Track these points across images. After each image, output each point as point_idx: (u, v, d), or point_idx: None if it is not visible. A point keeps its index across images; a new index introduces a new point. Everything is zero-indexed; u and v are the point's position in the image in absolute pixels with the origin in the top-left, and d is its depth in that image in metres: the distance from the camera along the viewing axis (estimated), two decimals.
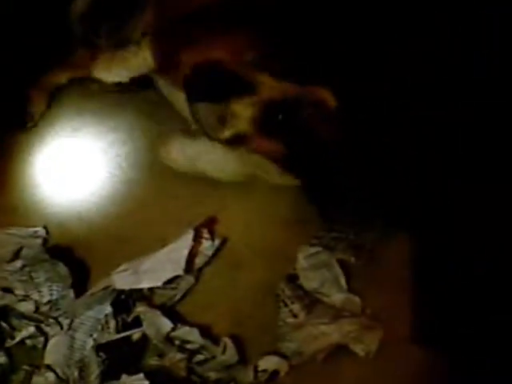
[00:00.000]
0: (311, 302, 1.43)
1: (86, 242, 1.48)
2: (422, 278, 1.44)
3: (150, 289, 1.41)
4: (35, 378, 1.36)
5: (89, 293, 1.40)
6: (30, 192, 1.53)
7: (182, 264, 1.40)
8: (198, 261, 1.44)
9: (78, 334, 1.38)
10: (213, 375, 1.37)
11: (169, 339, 1.37)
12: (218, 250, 1.46)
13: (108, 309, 1.38)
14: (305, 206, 1.49)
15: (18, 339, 1.38)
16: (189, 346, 1.37)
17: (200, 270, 1.45)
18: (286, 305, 1.42)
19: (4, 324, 1.38)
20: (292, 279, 1.45)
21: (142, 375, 1.34)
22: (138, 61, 1.50)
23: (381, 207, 1.44)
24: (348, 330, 1.39)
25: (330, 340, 1.39)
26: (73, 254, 1.46)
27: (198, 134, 1.43)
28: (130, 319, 1.39)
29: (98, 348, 1.36)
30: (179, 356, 1.37)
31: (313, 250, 1.46)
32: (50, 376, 1.36)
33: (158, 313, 1.38)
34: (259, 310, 1.44)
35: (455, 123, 1.41)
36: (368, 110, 1.35)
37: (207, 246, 1.45)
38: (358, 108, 1.34)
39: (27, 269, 1.41)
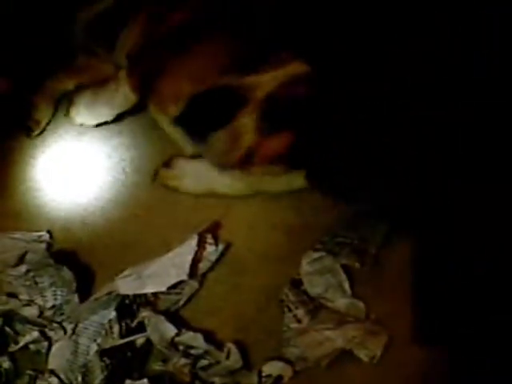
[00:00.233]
0: (315, 307, 1.42)
1: (90, 247, 1.47)
2: (425, 283, 1.44)
3: (154, 294, 1.41)
4: (39, 383, 1.36)
5: (93, 298, 1.40)
6: (34, 196, 1.53)
7: (187, 269, 1.40)
8: (202, 266, 1.44)
9: (81, 339, 1.38)
10: (217, 380, 1.37)
11: (173, 344, 1.37)
12: (221, 255, 1.46)
13: (112, 314, 1.38)
14: (308, 210, 1.49)
15: (21, 344, 1.38)
16: (193, 352, 1.37)
17: (204, 275, 1.44)
18: (290, 310, 1.42)
19: (8, 329, 1.38)
20: (296, 284, 1.44)
21: (145, 380, 1.34)
22: (120, 98, 1.49)
23: (382, 208, 1.44)
24: (352, 336, 1.39)
25: (335, 345, 1.38)
26: (77, 258, 1.46)
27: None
28: (134, 324, 1.39)
29: (102, 353, 1.36)
30: (183, 361, 1.37)
31: (317, 255, 1.45)
32: (54, 381, 1.36)
33: (162, 318, 1.38)
34: (263, 315, 1.43)
35: (455, 123, 1.40)
36: (368, 110, 1.35)
37: (211, 251, 1.44)
38: (358, 108, 1.34)
39: (31, 273, 1.41)
